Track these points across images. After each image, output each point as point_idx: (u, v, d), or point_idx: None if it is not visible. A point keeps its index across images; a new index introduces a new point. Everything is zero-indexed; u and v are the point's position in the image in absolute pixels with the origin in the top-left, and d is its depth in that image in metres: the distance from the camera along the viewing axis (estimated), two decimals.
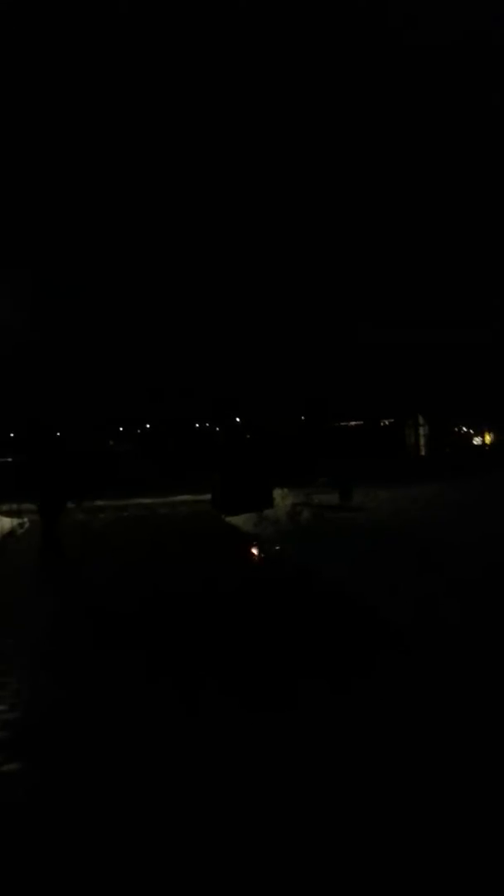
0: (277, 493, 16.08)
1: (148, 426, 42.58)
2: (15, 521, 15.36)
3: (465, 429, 40.86)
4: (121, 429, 42.18)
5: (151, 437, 41.51)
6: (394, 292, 36.66)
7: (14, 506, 16.25)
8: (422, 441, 37.64)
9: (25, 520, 15.66)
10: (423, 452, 37.19)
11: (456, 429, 40.53)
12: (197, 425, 43.33)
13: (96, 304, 36.76)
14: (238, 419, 43.28)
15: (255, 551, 9.43)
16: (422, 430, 37.80)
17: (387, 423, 41.59)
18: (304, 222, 41.79)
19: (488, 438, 40.63)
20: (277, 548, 9.52)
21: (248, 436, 39.00)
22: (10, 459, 27.80)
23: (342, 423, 41.01)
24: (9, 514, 15.95)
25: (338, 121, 39.44)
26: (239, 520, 13.86)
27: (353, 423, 41.36)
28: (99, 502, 20.36)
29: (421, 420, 38.09)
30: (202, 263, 39.48)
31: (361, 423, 40.64)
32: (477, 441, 40.70)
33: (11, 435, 36.39)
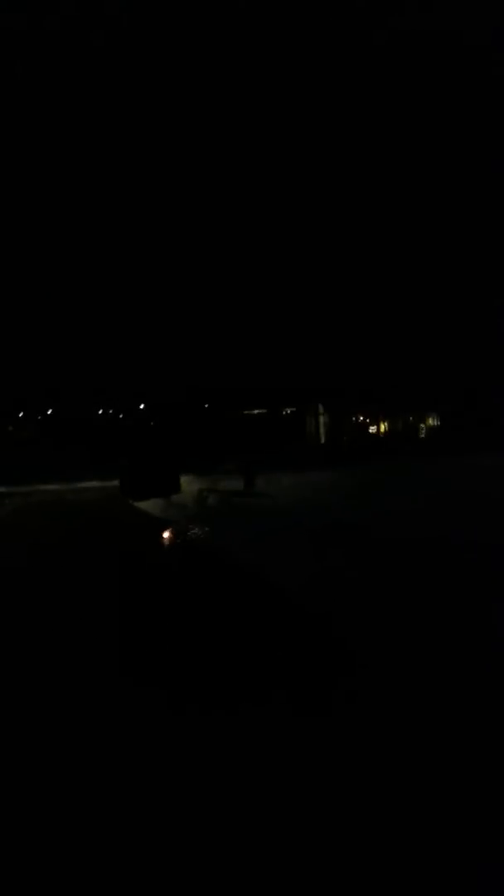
0: (184, 480, 16.99)
1: (49, 412, 42.11)
2: None
3: (362, 418, 43.19)
4: (21, 414, 41.51)
5: (53, 423, 41.14)
6: (300, 282, 37.88)
7: None
8: (322, 430, 39.57)
9: None
10: (322, 440, 39.16)
11: (354, 418, 42.77)
12: (100, 411, 43.29)
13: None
14: (142, 406, 43.59)
15: (166, 534, 10.28)
16: (322, 419, 39.72)
17: (288, 411, 43.37)
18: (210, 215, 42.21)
19: (383, 427, 43.14)
20: (195, 531, 10.42)
21: (152, 423, 39.52)
22: None
23: (245, 412, 42.33)
24: None
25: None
26: (147, 504, 14.65)
27: (255, 411, 42.77)
28: (1, 489, 20.50)
29: (321, 409, 39.97)
30: (113, 249, 39.14)
31: (264, 411, 42.16)
32: (373, 430, 43.13)
33: None
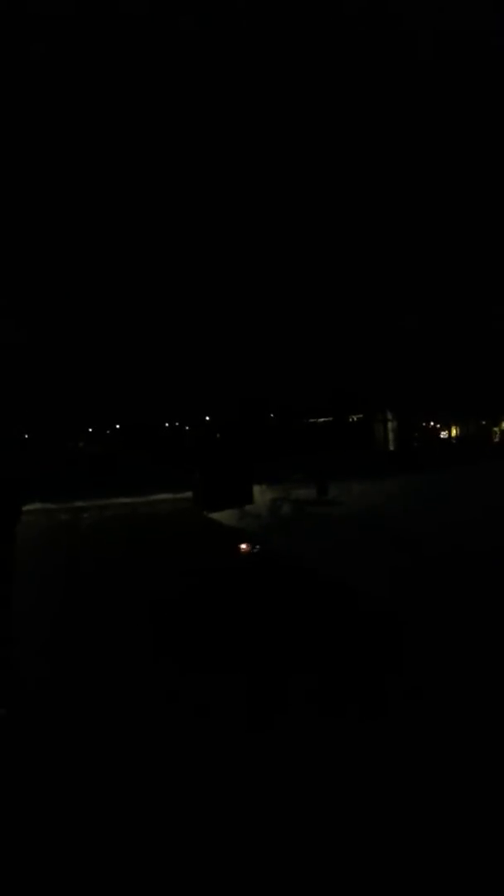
0: (256, 489, 17.22)
1: (118, 427, 43.32)
2: None
3: (432, 423, 42.60)
4: (90, 430, 42.86)
5: (121, 437, 42.29)
6: (365, 293, 37.83)
7: None
8: (390, 436, 39.23)
9: None
10: (391, 447, 38.81)
11: (423, 423, 42.23)
12: (167, 424, 44.24)
13: (59, 305, 37.20)
14: (207, 418, 44.32)
15: (244, 546, 10.50)
16: (390, 426, 39.41)
17: (355, 418, 43.20)
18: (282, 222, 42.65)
19: (454, 432, 42.41)
20: (263, 542, 10.61)
21: (219, 434, 40.07)
22: None
23: (311, 420, 42.42)
24: None
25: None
26: (222, 516, 14.93)
27: (322, 419, 42.81)
28: (78, 503, 21.22)
29: (389, 416, 39.66)
30: (165, 264, 40.06)
31: (331, 419, 42.13)
32: (444, 435, 42.46)
33: None
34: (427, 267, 37.16)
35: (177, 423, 44.80)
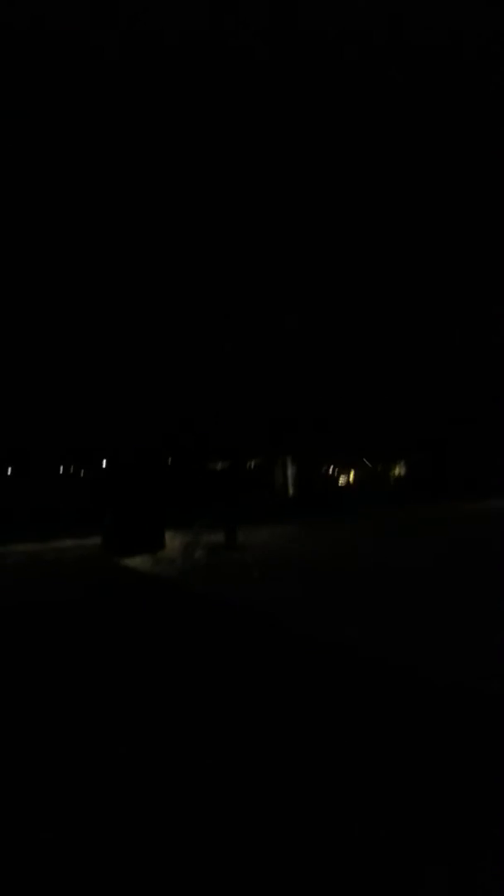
0: (167, 535, 18.28)
1: (10, 470, 42.83)
2: None
3: (331, 468, 45.12)
4: None
5: (12, 483, 41.85)
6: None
7: None
8: (290, 481, 41.24)
9: None
10: (291, 491, 40.81)
11: (323, 468, 44.68)
12: (61, 468, 44.20)
13: None
14: (104, 462, 44.65)
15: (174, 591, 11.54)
16: (290, 471, 41.45)
17: (254, 463, 45.09)
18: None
19: (352, 478, 45.10)
20: (183, 587, 11.69)
21: (129, 478, 40.52)
22: None
23: (213, 464, 43.85)
24: None
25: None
26: (136, 562, 15.86)
27: (222, 463, 44.32)
28: None
29: (289, 461, 41.73)
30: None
31: (232, 463, 43.73)
32: (342, 481, 45.05)
33: None
34: (334, 318, 39.69)
35: (71, 468, 44.84)
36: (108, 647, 7.63)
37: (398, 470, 45.10)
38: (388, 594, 9.58)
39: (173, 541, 18.20)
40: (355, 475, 45.73)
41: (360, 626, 7.74)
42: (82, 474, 44.55)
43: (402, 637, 7.16)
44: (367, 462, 44.70)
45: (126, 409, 40.03)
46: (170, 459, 45.52)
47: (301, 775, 4.24)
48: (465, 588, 9.74)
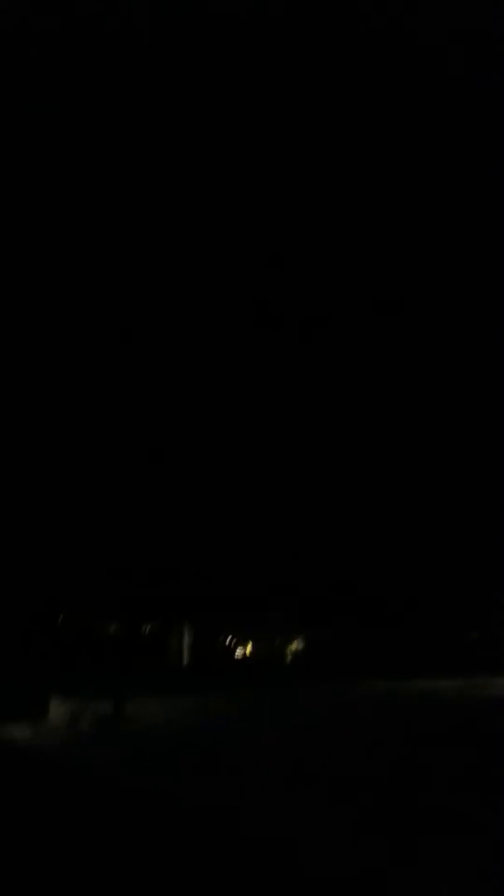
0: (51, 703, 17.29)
1: None
2: None
3: (229, 637, 44.28)
4: None
5: None
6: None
7: None
8: (185, 650, 40.13)
9: None
10: (186, 661, 39.54)
11: (220, 638, 43.78)
12: None
13: None
14: None
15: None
16: (186, 640, 40.43)
17: (148, 628, 43.74)
18: None
19: (249, 650, 44.36)
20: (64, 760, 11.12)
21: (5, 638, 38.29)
22: None
23: (104, 626, 42.22)
24: None
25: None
26: (13, 732, 14.85)
27: (115, 626, 42.75)
28: None
29: (185, 629, 40.86)
30: None
31: (125, 626, 42.24)
32: (239, 653, 44.18)
33: None
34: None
35: None
36: None
37: (296, 645, 44.81)
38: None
39: (57, 709, 17.23)
40: (252, 647, 45.05)
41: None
42: None
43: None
44: (265, 635, 44.27)
45: (11, 565, 38.63)
46: (60, 618, 43.58)
47: None
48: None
